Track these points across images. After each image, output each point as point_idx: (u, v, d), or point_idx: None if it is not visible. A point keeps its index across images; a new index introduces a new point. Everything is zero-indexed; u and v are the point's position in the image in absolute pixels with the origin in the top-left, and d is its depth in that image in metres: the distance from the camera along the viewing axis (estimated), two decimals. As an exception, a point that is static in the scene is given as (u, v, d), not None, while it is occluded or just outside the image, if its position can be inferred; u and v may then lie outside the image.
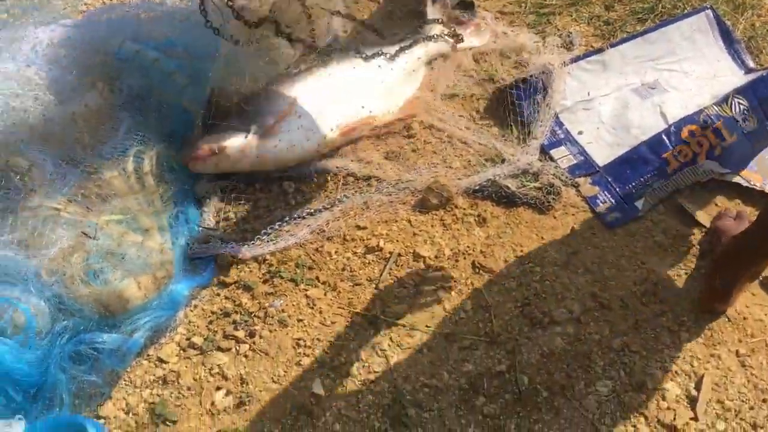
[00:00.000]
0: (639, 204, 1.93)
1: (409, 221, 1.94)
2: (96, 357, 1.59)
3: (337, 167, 2.05)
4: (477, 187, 1.98)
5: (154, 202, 1.87)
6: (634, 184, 1.96)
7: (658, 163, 1.97)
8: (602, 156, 2.05)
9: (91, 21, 2.23)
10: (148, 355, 1.69)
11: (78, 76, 2.00)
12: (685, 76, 2.13)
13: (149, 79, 2.02)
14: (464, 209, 1.96)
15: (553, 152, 2.06)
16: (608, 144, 2.08)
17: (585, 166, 2.04)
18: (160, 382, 1.65)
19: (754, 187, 1.95)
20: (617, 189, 1.97)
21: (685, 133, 1.98)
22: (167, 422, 1.58)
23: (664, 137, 2.00)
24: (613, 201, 1.95)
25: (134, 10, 2.20)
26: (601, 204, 1.95)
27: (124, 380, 1.66)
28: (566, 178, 2.00)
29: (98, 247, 1.69)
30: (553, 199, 1.96)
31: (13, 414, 1.53)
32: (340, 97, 2.09)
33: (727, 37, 2.21)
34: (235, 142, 1.95)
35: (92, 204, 1.75)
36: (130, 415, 1.61)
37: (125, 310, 1.64)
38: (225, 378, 1.65)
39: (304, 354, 1.69)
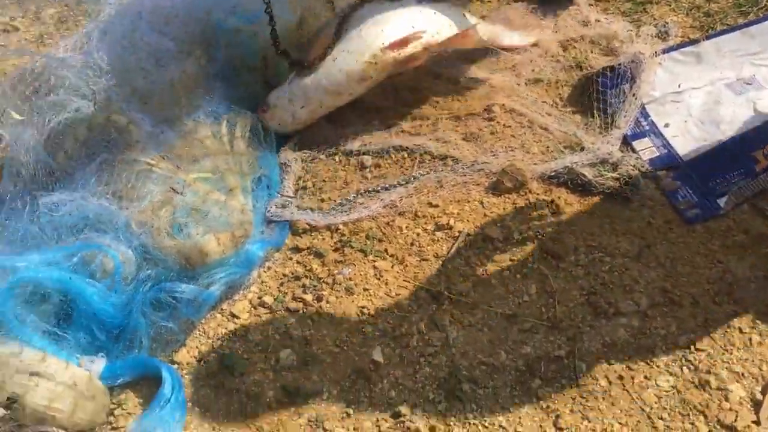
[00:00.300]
0: (722, 202, 1.87)
1: (481, 202, 1.96)
2: (174, 305, 1.70)
3: (415, 145, 2.08)
4: (553, 174, 1.97)
5: (242, 165, 1.97)
6: (718, 180, 1.90)
7: (745, 161, 1.90)
8: (687, 150, 2.00)
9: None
10: (222, 309, 1.80)
11: (178, 44, 2.11)
12: (784, 71, 2.05)
13: (246, 52, 2.11)
14: (538, 194, 1.96)
15: (636, 143, 2.02)
16: (695, 138, 2.02)
17: (667, 159, 1.99)
18: (231, 335, 1.75)
19: None
20: (699, 185, 1.91)
21: None
22: (234, 373, 1.68)
23: (754, 134, 1.92)
24: (694, 197, 1.90)
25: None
26: (681, 199, 1.91)
27: (199, 331, 1.76)
28: (646, 170, 1.96)
29: (184, 202, 1.81)
30: (631, 190, 1.92)
31: (96, 351, 1.67)
32: (386, 18, 2.11)
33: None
34: (276, 93, 2.07)
35: (182, 162, 1.86)
36: (202, 363, 1.71)
37: (204, 263, 1.74)
38: (290, 338, 1.73)
39: (367, 322, 1.75)
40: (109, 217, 1.74)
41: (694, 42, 2.14)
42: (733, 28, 2.16)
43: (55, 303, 1.64)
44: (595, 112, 2.11)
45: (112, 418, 1.61)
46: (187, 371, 1.70)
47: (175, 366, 1.70)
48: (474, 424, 1.57)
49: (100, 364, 1.63)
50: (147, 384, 1.68)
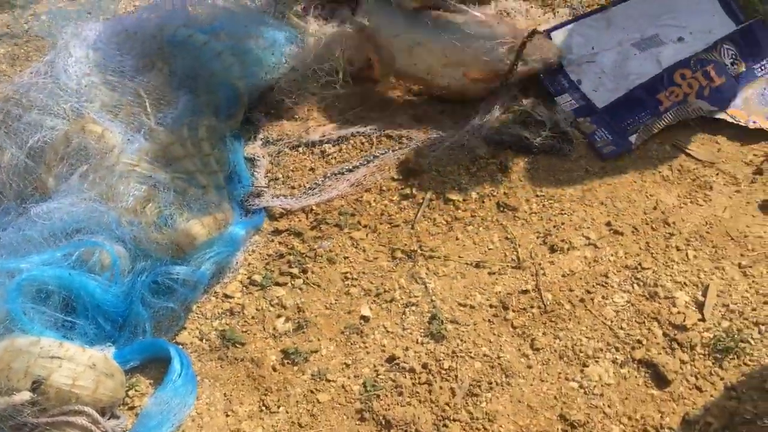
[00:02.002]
0: (633, 138, 2.16)
1: (438, 171, 2.16)
2: (171, 288, 1.82)
3: (371, 129, 2.28)
4: (498, 138, 2.19)
5: (211, 164, 2.11)
6: (629, 121, 2.19)
7: (652, 103, 2.20)
8: (602, 100, 2.28)
9: (145, 15, 2.49)
10: (216, 293, 1.93)
11: (138, 60, 2.26)
12: (682, 30, 2.34)
13: (200, 60, 2.27)
14: (487, 158, 2.17)
15: (558, 99, 2.29)
16: (608, 90, 2.30)
17: (586, 109, 2.27)
18: (228, 313, 1.88)
19: (739, 123, 2.16)
20: (614, 126, 2.20)
21: (677, 77, 2.21)
22: (236, 345, 1.81)
23: (658, 80, 2.23)
24: (609, 137, 2.18)
25: (183, 2, 2.46)
26: (598, 140, 2.19)
27: (196, 313, 1.89)
28: (572, 120, 2.22)
29: (166, 197, 1.94)
30: (567, 147, 2.16)
31: (104, 341, 1.77)
32: None
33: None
34: None
35: (157, 164, 2.00)
36: (204, 340, 1.84)
37: (193, 246, 1.88)
38: (284, 307, 1.88)
39: (351, 285, 1.91)
40: (99, 217, 1.85)
41: (603, 9, 2.43)
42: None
43: (59, 299, 1.74)
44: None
45: (127, 399, 1.72)
46: (192, 350, 1.82)
47: (180, 346, 1.82)
48: (461, 356, 1.74)
49: (109, 352, 1.73)
50: (155, 366, 1.79)
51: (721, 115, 2.18)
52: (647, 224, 1.98)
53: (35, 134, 2.01)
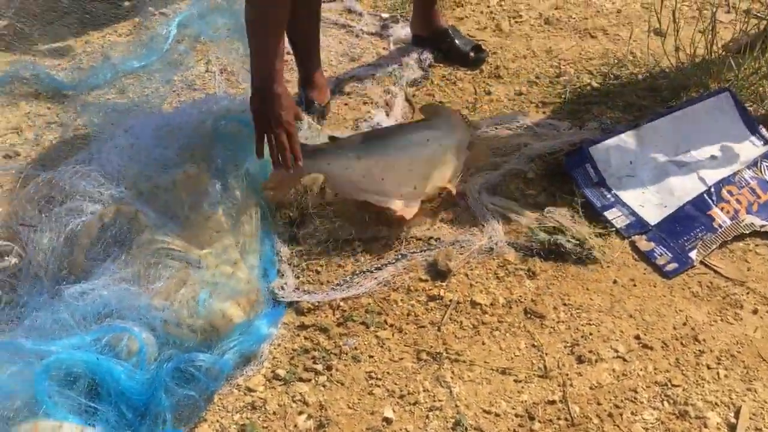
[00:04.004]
0: (693, 255, 2.17)
1: (466, 275, 2.17)
2: (193, 375, 1.82)
3: (400, 230, 2.31)
4: (526, 245, 2.21)
5: (245, 244, 2.15)
6: (686, 238, 2.20)
7: (704, 219, 2.24)
8: (652, 216, 2.29)
9: (188, 110, 2.60)
10: (239, 385, 1.91)
11: (179, 153, 2.34)
12: (712, 148, 2.41)
13: (241, 148, 2.34)
14: (516, 264, 2.19)
15: (607, 214, 2.30)
16: (655, 206, 2.32)
17: (638, 226, 2.27)
18: (249, 407, 1.86)
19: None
20: (671, 243, 2.20)
21: (724, 193, 2.28)
22: (256, 441, 1.79)
23: (705, 197, 2.28)
24: (669, 254, 2.18)
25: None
26: (658, 257, 2.18)
27: (218, 405, 1.87)
28: (609, 232, 2.25)
29: (200, 277, 1.96)
30: (588, 252, 2.17)
31: (125, 429, 1.76)
32: None
33: (744, 113, 2.49)
34: None
35: (191, 243, 2.05)
36: (223, 434, 1.82)
37: (230, 328, 1.88)
38: (306, 404, 1.86)
39: (375, 385, 1.89)
40: (130, 300, 1.88)
41: (635, 126, 2.49)
42: (660, 113, 2.52)
43: (85, 384, 1.74)
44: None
45: (142, 492, 1.69)
46: (210, 443, 1.80)
47: (199, 439, 1.80)
48: (485, 467, 1.70)
49: (128, 441, 1.72)
50: (172, 459, 1.76)
51: (772, 230, 2.22)
52: (677, 340, 1.96)
53: (75, 219, 2.07)
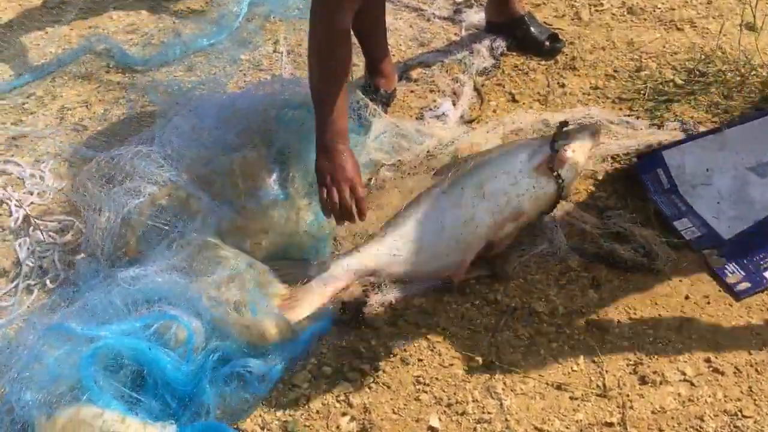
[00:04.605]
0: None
1: (525, 279, 2.07)
2: (242, 379, 1.79)
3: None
4: (592, 250, 2.09)
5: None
6: (761, 255, 2.03)
7: None
8: (726, 229, 2.13)
9: (253, 92, 2.56)
10: (283, 380, 1.88)
11: (240, 136, 2.31)
12: (801, 158, 2.22)
13: (299, 135, 2.29)
14: (578, 271, 2.07)
15: (677, 224, 2.15)
16: (731, 218, 2.15)
17: (711, 238, 2.11)
18: (293, 404, 1.83)
19: None
20: (745, 260, 2.03)
21: None
22: (297, 439, 1.75)
23: None
24: (742, 272, 2.01)
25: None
26: (729, 275, 2.01)
27: (261, 401, 1.84)
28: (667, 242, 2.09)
29: (250, 281, 1.93)
30: (657, 264, 2.03)
31: (168, 418, 1.75)
32: None
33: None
34: None
35: (244, 239, 2.01)
36: (265, 429, 1.79)
37: (262, 344, 1.85)
38: (350, 405, 1.81)
39: (422, 390, 1.83)
40: (180, 290, 1.86)
41: (716, 131, 2.31)
42: (746, 118, 2.34)
43: (131, 371, 1.74)
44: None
45: (182, 483, 1.68)
46: (252, 438, 1.77)
47: (241, 432, 1.77)
48: (532, 488, 1.62)
49: (171, 430, 1.70)
50: (214, 450, 1.75)
51: None
52: (752, 366, 1.82)
53: (133, 200, 2.07)
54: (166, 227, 1.99)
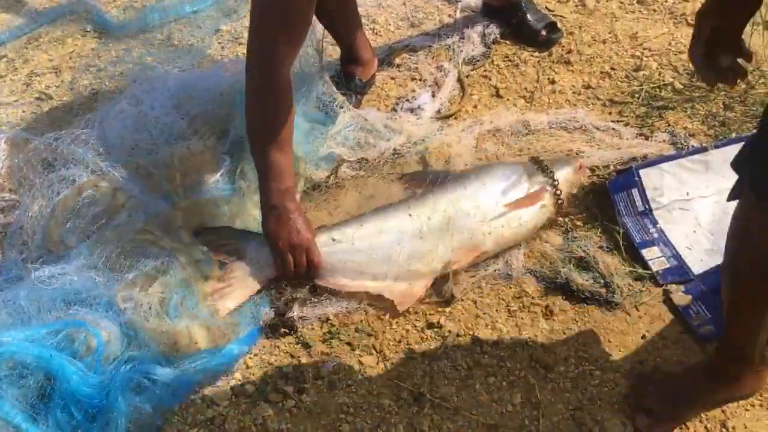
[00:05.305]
0: None
1: (475, 302, 1.93)
2: (151, 388, 1.70)
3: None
4: (550, 276, 1.94)
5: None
6: None
7: None
8: (698, 263, 1.94)
9: (215, 73, 2.42)
10: (204, 395, 1.78)
11: (190, 123, 2.17)
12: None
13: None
14: (533, 298, 1.92)
15: (645, 252, 1.97)
16: (705, 250, 1.97)
17: (678, 272, 1.93)
18: (209, 423, 1.73)
19: None
20: (712, 300, 1.84)
21: None
22: (206, 463, 1.66)
23: None
24: (708, 314, 1.83)
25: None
26: (694, 315, 1.84)
27: (177, 416, 1.75)
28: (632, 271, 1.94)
29: (176, 282, 1.82)
30: (614, 297, 1.88)
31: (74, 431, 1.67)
32: None
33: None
34: None
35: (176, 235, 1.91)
36: (176, 449, 1.70)
37: (189, 351, 1.74)
38: (267, 430, 1.71)
39: (345, 420, 1.72)
40: (97, 292, 1.76)
41: (702, 150, 2.11)
42: (740, 138, 2.13)
43: (36, 380, 1.66)
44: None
45: (78, 501, 1.60)
46: (161, 457, 1.69)
47: (150, 451, 1.69)
48: None
49: (72, 445, 1.63)
50: (119, 467, 1.67)
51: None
52: (700, 423, 1.67)
53: (66, 188, 1.96)
54: (88, 221, 1.88)
